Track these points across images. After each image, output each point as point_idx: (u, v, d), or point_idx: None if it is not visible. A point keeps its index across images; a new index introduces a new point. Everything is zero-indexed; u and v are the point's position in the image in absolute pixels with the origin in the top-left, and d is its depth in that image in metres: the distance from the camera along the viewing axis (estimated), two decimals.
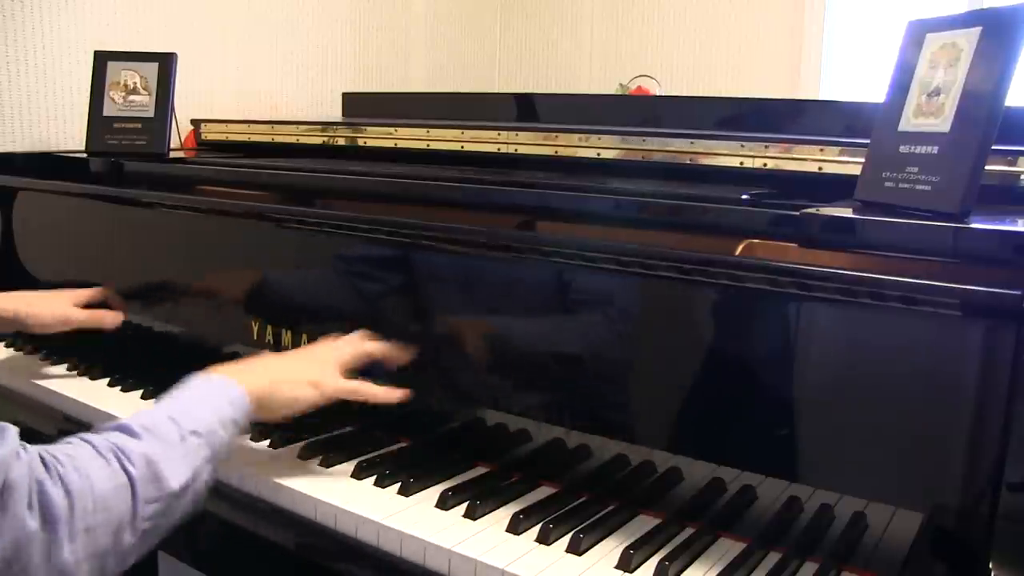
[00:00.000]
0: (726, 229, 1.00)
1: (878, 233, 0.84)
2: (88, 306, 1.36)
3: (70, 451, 0.78)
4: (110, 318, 1.35)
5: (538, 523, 0.91)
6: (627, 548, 0.86)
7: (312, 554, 0.98)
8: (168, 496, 0.82)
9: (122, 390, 1.32)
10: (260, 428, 1.15)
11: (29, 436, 1.29)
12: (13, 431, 0.73)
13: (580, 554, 0.87)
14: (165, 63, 1.70)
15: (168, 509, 0.82)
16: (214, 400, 0.92)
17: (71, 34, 1.85)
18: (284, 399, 1.00)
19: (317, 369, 1.04)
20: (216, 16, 2.11)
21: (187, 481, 0.84)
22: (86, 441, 0.80)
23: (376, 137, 1.61)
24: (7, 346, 1.55)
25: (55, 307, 1.32)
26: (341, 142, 1.68)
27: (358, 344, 1.08)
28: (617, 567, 0.85)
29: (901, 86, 0.92)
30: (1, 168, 1.66)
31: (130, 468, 0.79)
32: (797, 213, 0.88)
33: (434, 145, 1.51)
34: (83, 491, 0.75)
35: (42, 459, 0.75)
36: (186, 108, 1.96)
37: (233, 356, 1.32)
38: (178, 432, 0.85)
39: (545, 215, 1.17)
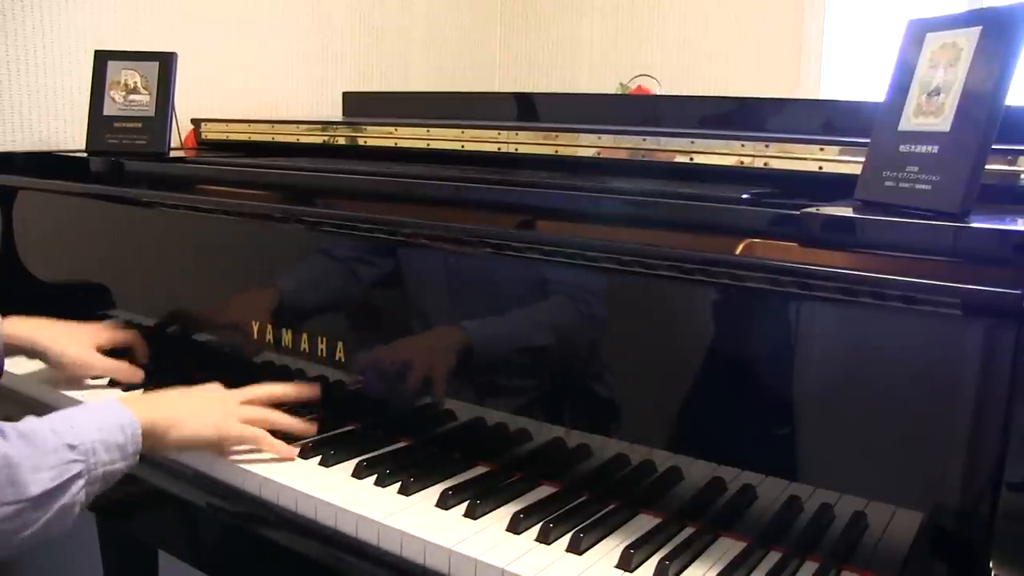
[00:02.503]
0: (726, 228, 1.00)
1: (878, 233, 0.84)
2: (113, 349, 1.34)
3: None
4: (127, 374, 1.32)
5: (538, 522, 0.91)
6: (627, 547, 0.86)
7: (312, 553, 0.98)
8: (23, 501, 0.81)
9: (123, 389, 1.32)
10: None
11: None
12: None
13: (580, 553, 0.87)
14: (165, 63, 1.70)
15: (22, 514, 0.81)
16: (104, 422, 0.93)
17: (71, 34, 1.84)
18: (180, 435, 1.02)
19: (220, 413, 1.06)
20: (216, 16, 2.11)
21: (49, 490, 0.83)
22: None
23: (376, 137, 1.61)
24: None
25: (78, 349, 1.29)
26: (341, 142, 1.68)
27: (265, 413, 1.10)
28: (617, 566, 0.85)
29: (901, 86, 0.92)
30: (1, 168, 1.66)
31: None
32: (797, 213, 0.88)
33: (434, 145, 1.51)
34: None
35: None
36: (186, 108, 1.96)
37: (234, 356, 1.32)
38: (54, 442, 0.85)
39: (545, 215, 1.17)
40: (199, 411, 1.05)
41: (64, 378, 1.32)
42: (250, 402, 1.10)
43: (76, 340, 1.31)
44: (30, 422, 0.87)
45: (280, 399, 1.13)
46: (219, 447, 1.06)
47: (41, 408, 1.32)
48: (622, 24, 2.68)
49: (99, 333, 1.35)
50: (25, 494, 0.81)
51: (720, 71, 2.52)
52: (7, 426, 0.84)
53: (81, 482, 0.87)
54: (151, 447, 0.99)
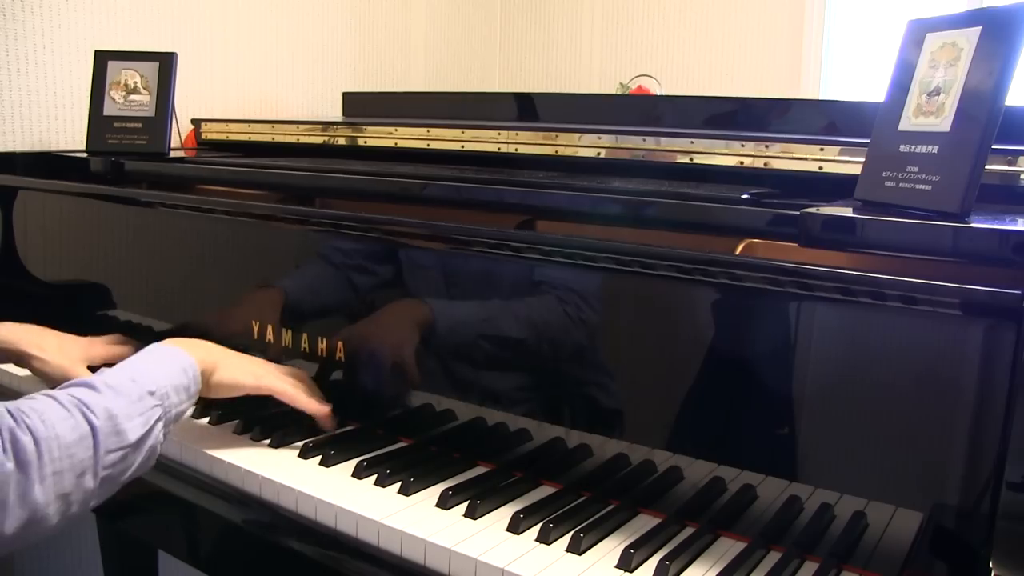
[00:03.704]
0: (726, 228, 1.00)
1: (878, 233, 0.84)
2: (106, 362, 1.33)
3: (35, 405, 0.86)
4: None
5: (538, 522, 0.91)
6: (627, 547, 0.86)
7: (312, 553, 0.98)
8: (126, 447, 0.90)
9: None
10: (262, 428, 1.15)
11: None
12: None
13: (580, 553, 0.87)
14: (165, 63, 1.70)
15: (125, 460, 0.90)
16: (169, 366, 1.01)
17: (71, 34, 1.85)
18: (227, 380, 1.10)
19: (261, 366, 1.16)
20: (216, 16, 2.11)
21: (143, 435, 0.92)
22: (51, 397, 0.88)
23: (376, 137, 1.61)
24: None
25: (61, 359, 1.28)
26: (341, 142, 1.68)
27: (301, 373, 1.19)
28: (617, 566, 0.85)
29: (901, 86, 0.92)
30: (1, 168, 1.66)
31: (93, 419, 0.88)
32: (797, 212, 0.88)
33: (434, 145, 1.51)
34: (49, 439, 0.83)
35: (10, 412, 0.83)
36: (186, 108, 1.96)
37: None
38: (136, 391, 0.94)
39: (545, 215, 1.17)
40: (241, 360, 1.14)
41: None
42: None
43: (61, 350, 1.30)
44: (112, 374, 0.95)
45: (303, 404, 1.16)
46: (254, 390, 1.13)
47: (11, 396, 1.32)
48: (622, 24, 2.68)
49: (91, 348, 1.34)
50: (126, 440, 0.90)
51: (720, 71, 2.52)
52: (96, 380, 0.92)
53: (161, 423, 0.96)
54: (203, 390, 1.07)
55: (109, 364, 1.33)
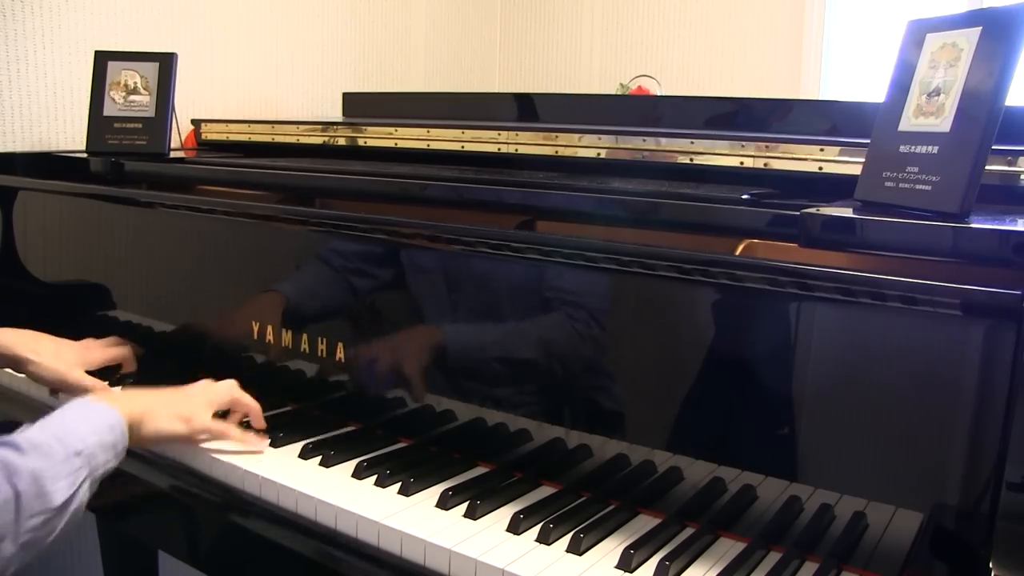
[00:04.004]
0: (727, 229, 1.00)
1: (878, 233, 0.84)
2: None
3: None
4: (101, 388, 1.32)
5: (538, 523, 0.91)
6: (627, 548, 0.86)
7: (312, 554, 0.98)
8: (50, 511, 0.86)
9: (123, 389, 1.32)
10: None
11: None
12: None
13: (580, 554, 0.87)
14: (165, 63, 1.70)
15: (48, 524, 0.86)
16: (95, 424, 0.96)
17: (71, 34, 1.84)
18: (154, 430, 1.05)
19: (187, 406, 1.09)
20: (216, 16, 2.11)
21: (68, 498, 0.88)
22: None
23: (376, 137, 1.61)
24: None
25: (56, 364, 1.29)
26: (341, 142, 1.68)
27: (229, 390, 1.15)
28: (617, 567, 0.85)
29: (901, 86, 0.92)
30: (1, 168, 1.66)
31: (17, 483, 0.83)
32: (797, 213, 0.88)
33: (434, 145, 1.51)
34: None
35: None
36: (186, 108, 1.96)
37: (233, 356, 1.32)
38: (63, 451, 0.89)
39: (545, 215, 1.17)
40: (166, 404, 1.08)
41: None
42: (213, 391, 1.14)
43: (57, 355, 1.30)
44: (36, 433, 0.90)
45: (233, 394, 1.16)
46: (190, 439, 1.10)
47: (39, 408, 1.32)
48: (622, 24, 2.68)
49: (88, 352, 1.34)
50: (51, 504, 0.86)
51: (720, 71, 2.52)
52: (19, 439, 0.87)
53: (87, 484, 0.92)
54: (131, 442, 1.02)
55: (107, 368, 1.34)
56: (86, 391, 1.29)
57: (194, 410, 1.09)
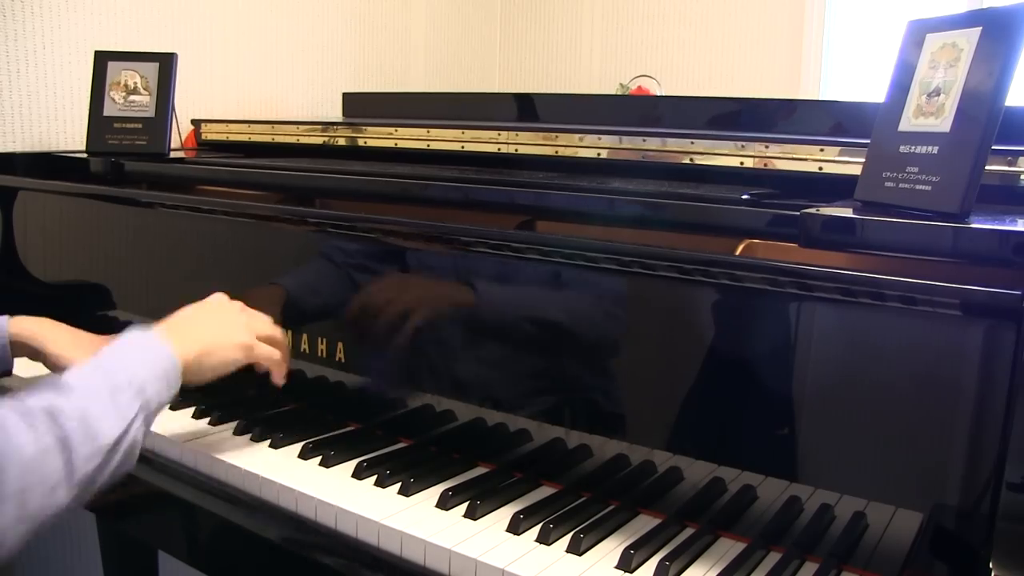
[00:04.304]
0: (726, 229, 1.00)
1: (878, 233, 0.84)
2: None
3: None
4: None
5: (538, 523, 0.91)
6: (627, 548, 0.86)
7: (312, 554, 0.98)
8: (103, 450, 0.82)
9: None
10: (262, 429, 1.15)
11: None
12: None
13: (580, 554, 0.87)
14: (165, 63, 1.70)
15: (103, 463, 0.83)
16: (147, 356, 0.93)
17: (71, 34, 1.85)
18: (214, 364, 1.02)
19: (245, 332, 1.06)
20: (216, 16, 2.11)
21: (120, 434, 0.84)
22: (12, 405, 0.80)
23: (376, 137, 1.61)
24: None
25: (77, 355, 1.25)
26: (341, 142, 1.68)
27: (272, 328, 1.11)
28: (617, 567, 0.85)
29: (901, 86, 0.92)
30: (1, 168, 1.66)
31: (64, 424, 0.80)
32: (797, 213, 0.88)
33: (434, 145, 1.51)
34: (8, 455, 0.75)
35: None
36: (186, 108, 1.96)
37: None
38: (109, 385, 0.86)
39: (545, 215, 1.17)
40: (226, 333, 1.05)
41: None
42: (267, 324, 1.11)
43: (78, 346, 1.30)
44: (80, 371, 0.87)
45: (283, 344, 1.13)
46: (247, 361, 1.07)
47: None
48: (622, 24, 2.68)
49: (104, 344, 1.34)
50: (103, 442, 0.83)
51: (720, 71, 2.52)
52: (64, 379, 0.85)
53: (141, 418, 0.88)
54: (188, 380, 0.99)
55: None
56: None
57: (246, 337, 1.06)
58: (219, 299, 1.11)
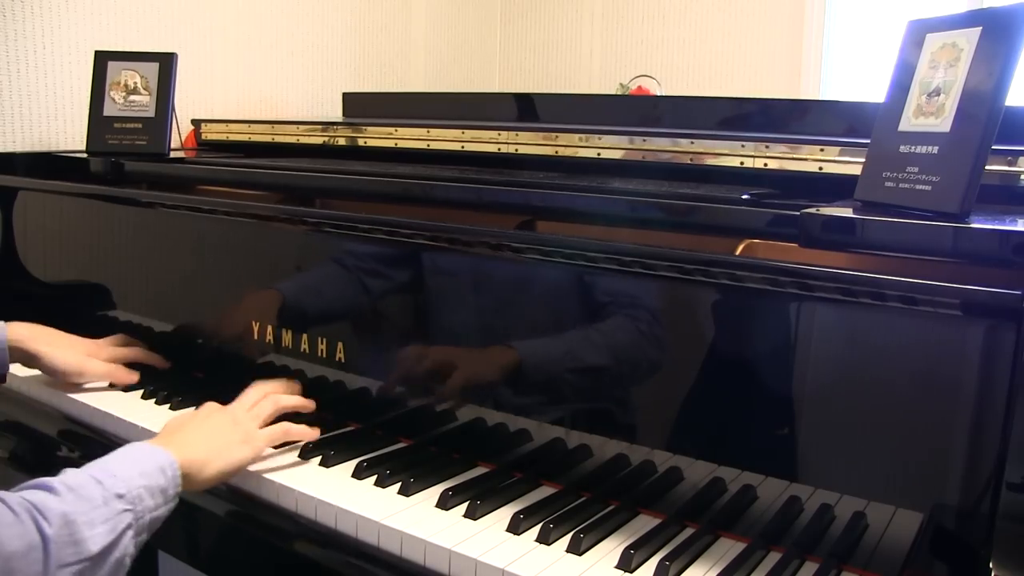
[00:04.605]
0: (727, 229, 1.00)
1: (878, 233, 0.84)
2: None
3: None
4: (122, 377, 1.32)
5: (538, 523, 0.91)
6: (627, 548, 0.86)
7: (312, 554, 0.98)
8: (85, 560, 0.78)
9: (123, 390, 1.32)
10: None
11: (28, 436, 1.29)
12: None
13: (580, 554, 0.87)
14: (165, 63, 1.70)
15: (84, 572, 0.78)
16: (144, 466, 0.88)
17: (71, 34, 1.85)
18: (219, 469, 0.98)
19: (243, 428, 1.04)
20: (216, 16, 2.11)
21: (107, 545, 0.80)
22: (2, 496, 0.77)
23: (376, 137, 1.61)
24: None
25: (72, 356, 1.28)
26: (341, 142, 1.68)
27: (273, 402, 1.10)
28: (617, 567, 0.85)
29: (901, 86, 0.92)
30: (1, 168, 1.66)
31: (45, 527, 0.75)
32: (798, 213, 0.88)
33: (434, 145, 1.51)
34: None
35: None
36: (186, 108, 1.96)
37: (234, 356, 1.32)
38: (102, 494, 0.82)
39: (545, 215, 1.17)
40: (223, 437, 1.01)
41: (62, 383, 1.32)
42: (254, 405, 1.10)
43: (71, 348, 1.31)
44: (71, 474, 0.83)
45: (279, 403, 1.12)
46: (254, 461, 1.05)
47: (44, 410, 1.33)
48: (622, 24, 2.68)
49: (100, 350, 1.35)
50: (86, 552, 0.78)
51: (720, 71, 2.52)
52: (55, 482, 0.80)
53: (131, 532, 0.84)
54: (188, 486, 0.94)
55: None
56: (104, 379, 1.32)
57: (248, 429, 1.04)
58: (208, 407, 1.08)
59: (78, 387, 1.32)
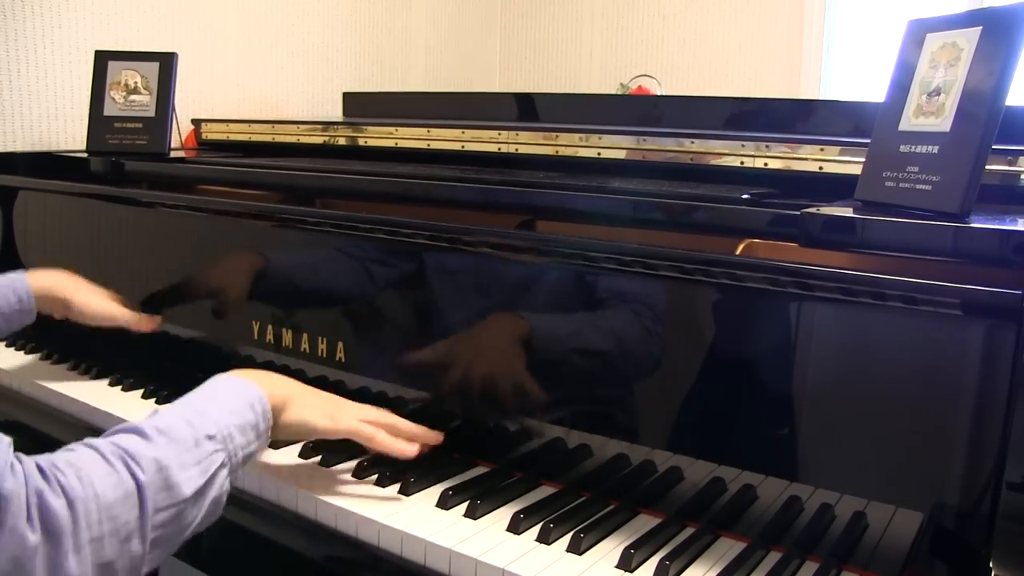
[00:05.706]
0: (727, 228, 1.00)
1: (878, 233, 0.84)
2: None
3: (72, 458, 0.74)
4: (147, 323, 1.35)
5: (539, 522, 0.91)
6: (627, 548, 0.86)
7: (312, 553, 0.98)
8: (180, 503, 0.77)
9: (123, 389, 1.32)
10: None
11: (27, 436, 1.29)
12: (4, 442, 0.69)
13: (580, 553, 0.87)
14: (165, 63, 1.70)
15: (180, 516, 0.78)
16: (234, 403, 0.87)
17: (71, 34, 1.85)
18: (297, 419, 0.95)
19: (335, 406, 1.01)
20: (216, 16, 2.12)
21: (200, 487, 0.79)
22: (91, 446, 0.76)
23: (376, 137, 1.61)
24: (7, 346, 1.55)
25: (100, 301, 1.31)
26: (342, 142, 1.68)
27: (382, 413, 1.03)
28: (618, 567, 0.85)
29: (901, 86, 0.92)
30: (1, 168, 1.66)
31: (139, 474, 0.75)
32: (798, 213, 0.89)
33: (435, 145, 1.51)
34: (87, 500, 0.71)
35: (40, 469, 0.70)
36: (186, 108, 1.96)
37: (234, 356, 1.32)
38: (192, 435, 0.81)
39: (545, 215, 1.17)
40: (309, 397, 0.99)
41: (50, 372, 1.34)
42: (364, 410, 1.03)
43: (95, 292, 1.33)
44: (161, 417, 0.82)
45: (391, 417, 1.04)
46: (326, 435, 0.99)
47: (44, 410, 1.33)
48: (622, 24, 2.68)
49: (111, 297, 1.37)
50: (180, 496, 0.77)
51: (720, 71, 2.52)
52: (146, 427, 0.79)
53: (225, 471, 0.83)
54: (274, 432, 0.93)
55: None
56: (132, 324, 1.34)
57: (341, 412, 1.00)
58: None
59: (63, 373, 1.34)
